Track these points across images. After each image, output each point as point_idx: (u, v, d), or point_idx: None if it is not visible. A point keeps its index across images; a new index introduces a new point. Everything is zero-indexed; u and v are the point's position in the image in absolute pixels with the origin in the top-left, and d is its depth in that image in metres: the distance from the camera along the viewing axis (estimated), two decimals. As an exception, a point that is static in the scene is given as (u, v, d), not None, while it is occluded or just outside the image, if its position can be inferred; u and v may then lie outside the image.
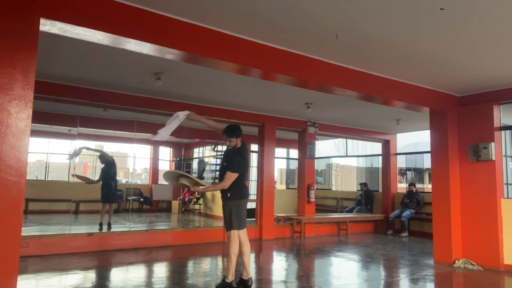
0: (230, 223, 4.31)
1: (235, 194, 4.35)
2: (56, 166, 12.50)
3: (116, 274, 5.25)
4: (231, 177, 4.22)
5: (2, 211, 2.72)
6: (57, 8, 3.09)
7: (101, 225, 7.60)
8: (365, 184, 11.42)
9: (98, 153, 8.38)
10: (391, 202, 10.51)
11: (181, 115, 4.19)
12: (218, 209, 11.01)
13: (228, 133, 4.36)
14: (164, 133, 4.16)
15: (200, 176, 14.06)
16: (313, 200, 9.20)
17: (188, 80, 6.02)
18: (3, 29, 2.79)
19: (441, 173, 6.28)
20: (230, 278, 4.26)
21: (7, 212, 2.74)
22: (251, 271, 5.93)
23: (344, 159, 13.69)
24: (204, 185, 4.57)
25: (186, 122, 8.72)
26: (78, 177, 8.75)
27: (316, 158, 10.15)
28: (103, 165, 8.20)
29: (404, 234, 9.28)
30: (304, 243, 8.04)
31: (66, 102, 6.57)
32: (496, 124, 5.97)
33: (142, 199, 12.51)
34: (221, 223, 8.57)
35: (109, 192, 7.99)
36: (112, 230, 7.61)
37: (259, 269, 6.07)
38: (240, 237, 4.34)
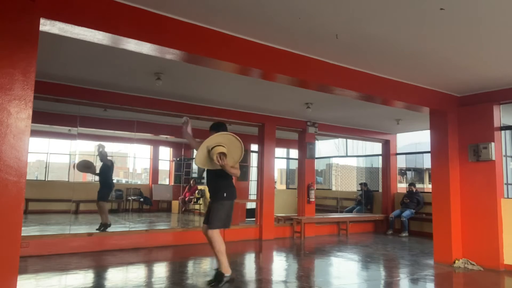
0: (221, 222, 4.37)
1: (230, 194, 4.44)
2: (56, 166, 12.51)
3: (116, 274, 5.25)
4: (238, 166, 4.39)
5: (2, 211, 2.71)
6: (57, 8, 3.09)
7: (107, 225, 7.59)
8: (365, 184, 11.42)
9: (101, 151, 8.31)
10: (391, 202, 10.51)
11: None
12: (218, 209, 10.99)
13: (215, 128, 4.46)
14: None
15: (201, 176, 14.07)
16: (313, 200, 9.20)
17: (188, 80, 6.02)
18: (3, 29, 2.78)
19: (441, 173, 6.28)
20: (229, 271, 4.34)
21: (7, 212, 2.74)
22: (251, 270, 5.94)
23: (344, 159, 13.70)
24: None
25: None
26: (85, 164, 8.63)
27: (316, 158, 10.14)
28: (101, 164, 8.20)
29: (404, 234, 9.28)
30: (304, 243, 8.04)
31: (66, 102, 6.57)
32: (496, 124, 5.97)
33: (142, 199, 12.51)
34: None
35: (110, 191, 8.05)
36: (111, 230, 7.60)
37: (259, 269, 6.07)
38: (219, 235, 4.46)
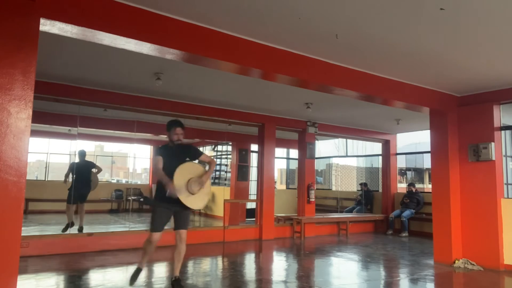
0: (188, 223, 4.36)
1: None
2: (56, 166, 12.51)
3: (116, 274, 5.25)
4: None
5: (2, 211, 2.71)
6: (57, 8, 3.09)
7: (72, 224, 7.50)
8: (365, 184, 11.42)
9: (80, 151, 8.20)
10: (391, 202, 10.51)
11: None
12: (218, 209, 11.01)
13: (181, 125, 4.28)
14: None
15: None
16: (313, 200, 9.20)
17: (188, 80, 6.02)
18: (3, 29, 2.79)
19: (441, 173, 6.28)
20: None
21: (7, 212, 2.74)
22: (251, 270, 5.95)
23: (344, 159, 13.70)
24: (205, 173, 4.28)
25: (187, 122, 8.71)
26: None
27: (316, 158, 10.15)
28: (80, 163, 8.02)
29: (404, 234, 9.28)
30: (304, 243, 8.04)
31: (66, 102, 6.57)
32: (496, 124, 5.97)
33: (142, 199, 12.51)
34: (221, 223, 8.57)
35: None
36: (111, 230, 7.60)
37: (259, 269, 6.08)
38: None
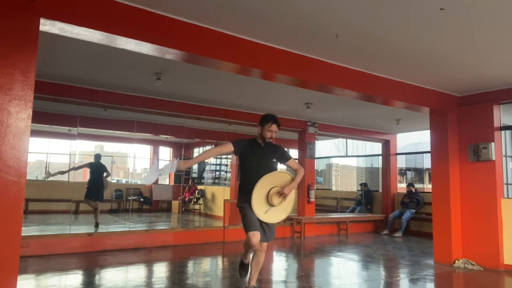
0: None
1: None
2: (56, 166, 12.50)
3: (116, 274, 5.25)
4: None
5: (2, 211, 2.71)
6: (57, 8, 3.08)
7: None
8: (365, 185, 11.41)
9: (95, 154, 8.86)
10: (391, 202, 10.51)
11: (171, 168, 3.47)
12: (218, 209, 11.01)
13: (278, 123, 3.69)
14: (152, 177, 3.51)
15: (200, 176, 14.05)
16: (313, 200, 9.19)
17: (188, 80, 6.02)
18: (3, 29, 2.79)
19: (441, 173, 6.27)
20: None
21: (7, 212, 2.74)
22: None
23: (344, 159, 13.70)
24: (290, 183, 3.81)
25: (187, 122, 8.68)
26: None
27: (316, 158, 10.14)
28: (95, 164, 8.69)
29: (397, 234, 9.23)
30: (304, 243, 8.04)
31: (66, 102, 6.57)
32: (496, 124, 5.97)
33: (142, 199, 12.52)
34: (221, 223, 8.57)
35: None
36: (111, 230, 7.61)
37: (259, 269, 6.07)
38: None
